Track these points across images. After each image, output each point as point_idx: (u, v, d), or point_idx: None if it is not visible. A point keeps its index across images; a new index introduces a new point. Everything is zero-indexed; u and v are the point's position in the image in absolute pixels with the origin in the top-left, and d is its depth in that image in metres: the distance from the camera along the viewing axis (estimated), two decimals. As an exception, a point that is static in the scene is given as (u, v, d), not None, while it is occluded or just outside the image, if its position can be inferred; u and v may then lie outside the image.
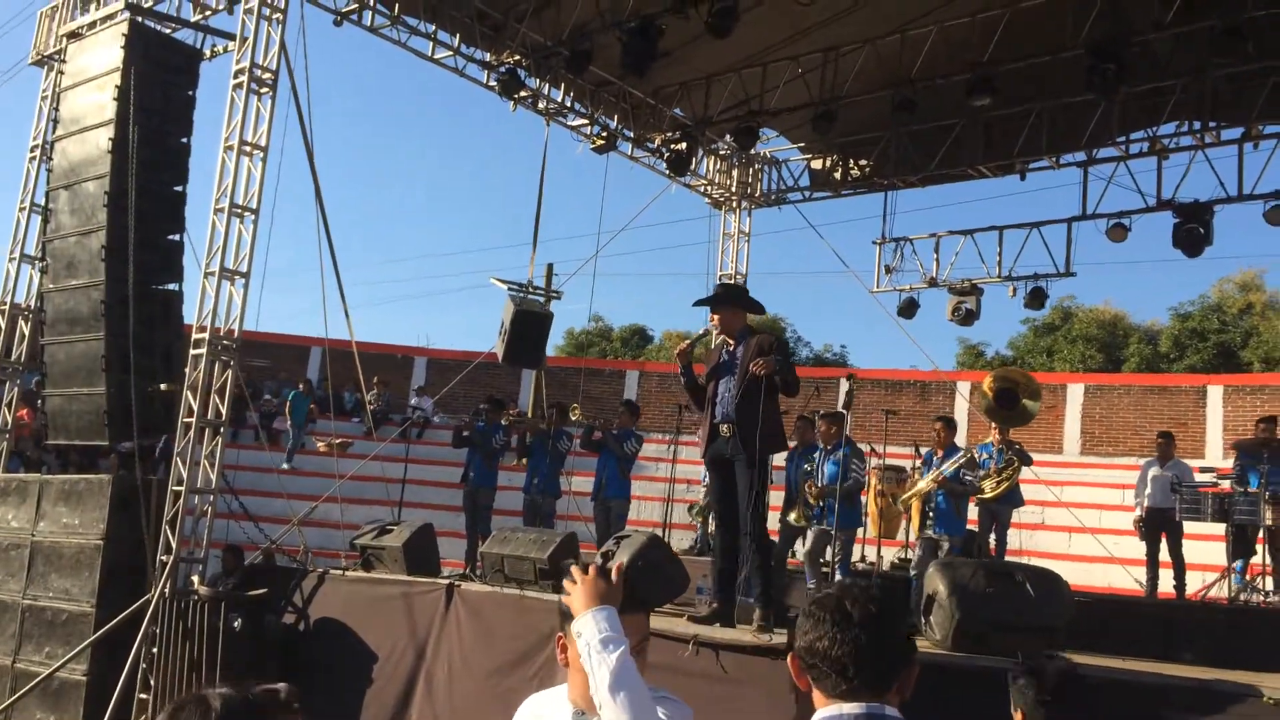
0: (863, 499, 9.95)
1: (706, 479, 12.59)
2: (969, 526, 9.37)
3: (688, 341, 6.76)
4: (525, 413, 22.45)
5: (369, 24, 11.63)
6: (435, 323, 79.04)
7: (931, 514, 8.78)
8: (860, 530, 9.84)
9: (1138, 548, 14.23)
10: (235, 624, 8.89)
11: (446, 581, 8.82)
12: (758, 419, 6.17)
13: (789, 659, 1.98)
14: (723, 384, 6.51)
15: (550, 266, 21.57)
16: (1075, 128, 12.62)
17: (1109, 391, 20.17)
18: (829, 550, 9.05)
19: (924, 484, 8.54)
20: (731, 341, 6.59)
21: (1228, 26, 9.67)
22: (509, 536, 8.67)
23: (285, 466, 17.76)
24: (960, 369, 35.56)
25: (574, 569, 2.29)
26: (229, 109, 10.35)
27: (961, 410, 18.77)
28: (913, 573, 8.81)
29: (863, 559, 10.91)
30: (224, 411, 10.13)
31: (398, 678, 8.73)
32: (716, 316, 6.63)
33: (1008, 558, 9.38)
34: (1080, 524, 14.57)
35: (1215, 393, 19.11)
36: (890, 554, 11.82)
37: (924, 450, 10.04)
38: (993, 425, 10.41)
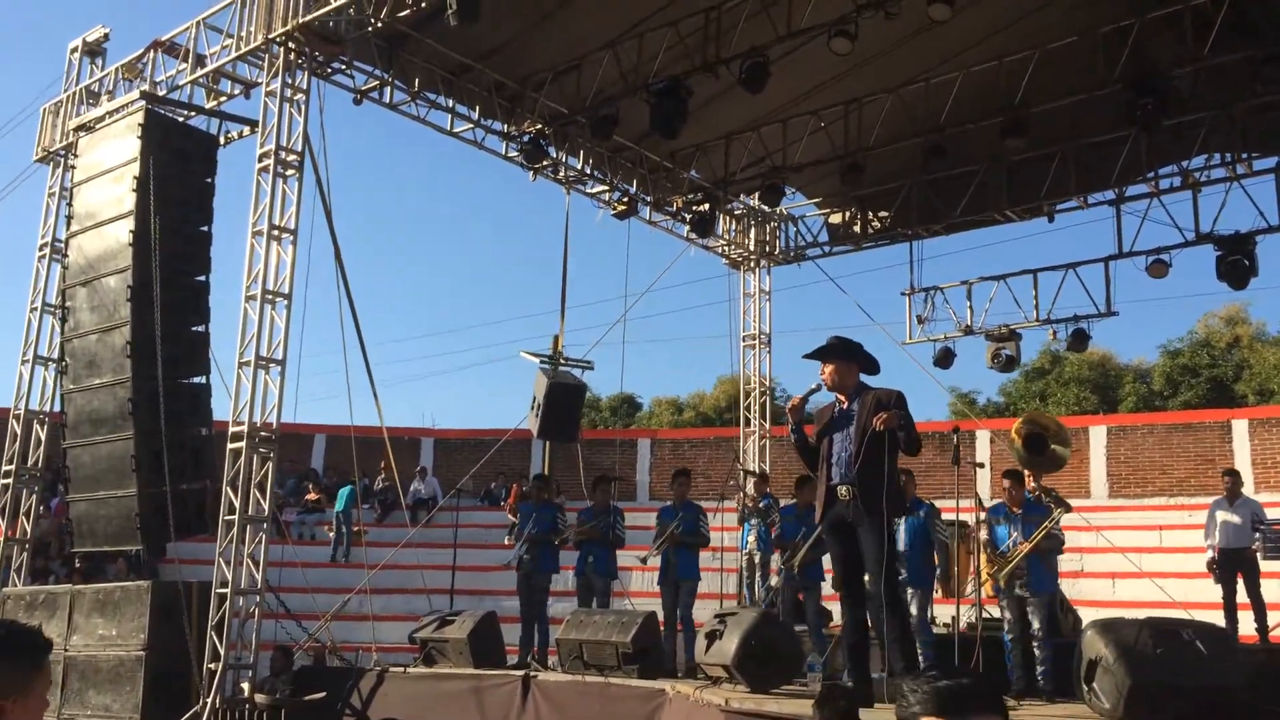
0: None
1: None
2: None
3: (800, 397, 6.38)
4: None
5: (388, 100, 11.42)
6: (434, 403, 78.33)
7: (1024, 570, 8.37)
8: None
9: (1186, 589, 13.97)
10: (297, 733, 8.36)
11: (522, 673, 8.35)
12: (882, 479, 5.81)
13: None
14: (838, 442, 6.14)
15: (556, 338, 21.26)
16: (1103, 166, 12.53)
17: (1132, 432, 19.94)
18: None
19: (1026, 548, 8.14)
20: (844, 398, 6.25)
21: (1268, 55, 9.59)
22: (585, 620, 8.22)
23: (341, 560, 17.58)
24: (954, 418, 35.45)
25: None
26: (255, 193, 10.08)
27: (986, 456, 18.49)
28: (1008, 635, 8.39)
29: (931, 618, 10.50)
30: (266, 507, 9.68)
31: (474, 779, 8.23)
32: (827, 370, 6.27)
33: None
34: (1138, 568, 14.19)
35: (1240, 427, 18.92)
36: (949, 611, 11.39)
37: (990, 503, 9.67)
38: (1028, 473, 10.05)
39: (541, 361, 12.12)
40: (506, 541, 20.12)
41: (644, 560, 9.95)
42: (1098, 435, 19.94)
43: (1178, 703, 4.96)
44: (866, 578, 6.02)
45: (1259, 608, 10.56)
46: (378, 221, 68.61)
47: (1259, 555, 10.29)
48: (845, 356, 6.30)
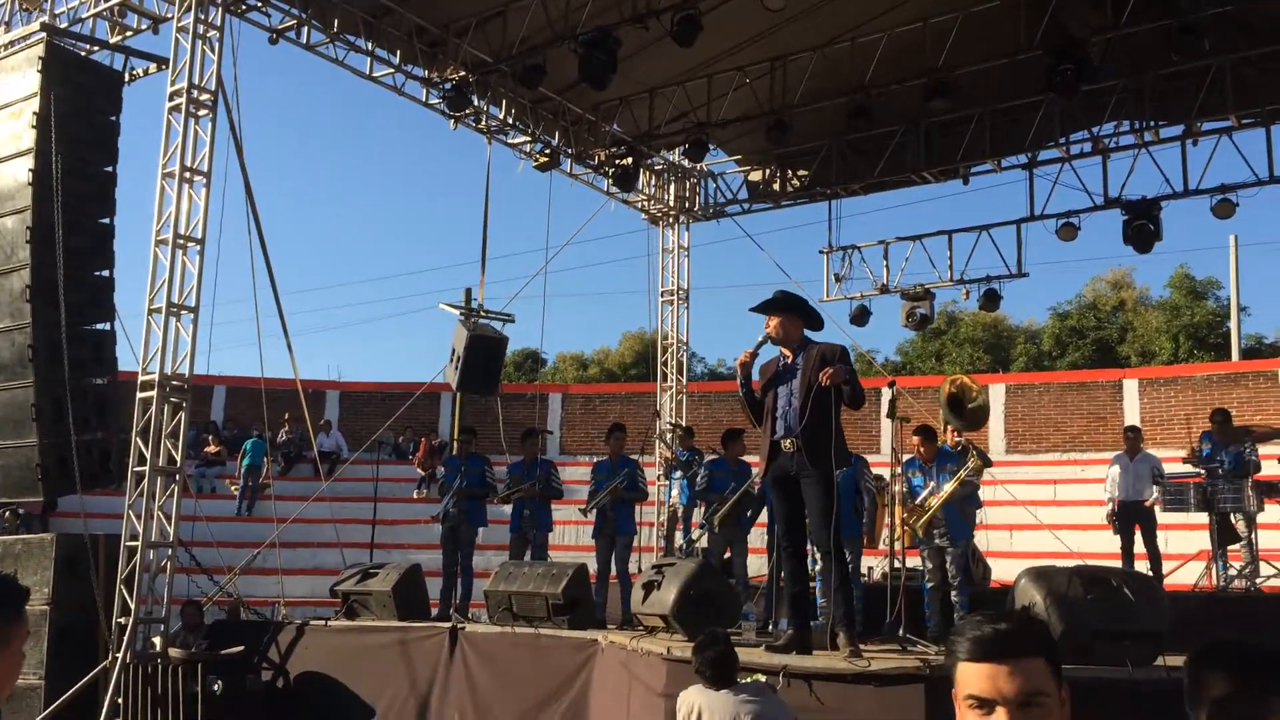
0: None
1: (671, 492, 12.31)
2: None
3: (749, 351, 6.35)
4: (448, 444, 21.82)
5: (305, 41, 11.03)
6: (338, 355, 76.72)
7: (941, 520, 8.61)
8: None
9: (1080, 540, 14.55)
10: (215, 687, 8.17)
11: (449, 625, 8.29)
12: (828, 433, 5.87)
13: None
14: (783, 397, 6.17)
15: (469, 291, 21.04)
16: (1017, 130, 12.80)
17: (1029, 390, 20.60)
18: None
19: (939, 501, 8.36)
20: (789, 353, 6.28)
21: (1184, 25, 9.86)
22: (514, 572, 8.19)
23: (246, 514, 17.15)
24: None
25: None
26: (165, 134, 9.66)
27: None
28: (928, 584, 8.64)
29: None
30: (179, 458, 9.38)
31: (400, 732, 8.16)
32: (773, 324, 6.28)
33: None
34: (1037, 520, 14.71)
35: (1131, 386, 19.70)
36: (870, 563, 11.66)
37: (905, 458, 9.87)
38: (950, 429, 10.34)
39: (461, 313, 11.93)
40: (415, 495, 19.97)
41: (584, 513, 9.94)
42: (996, 393, 20.53)
43: (1107, 647, 5.16)
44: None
45: (1155, 557, 11.04)
46: (288, 168, 66.75)
47: (1157, 508, 10.73)
48: (790, 310, 6.32)
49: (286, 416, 20.06)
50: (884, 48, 11.60)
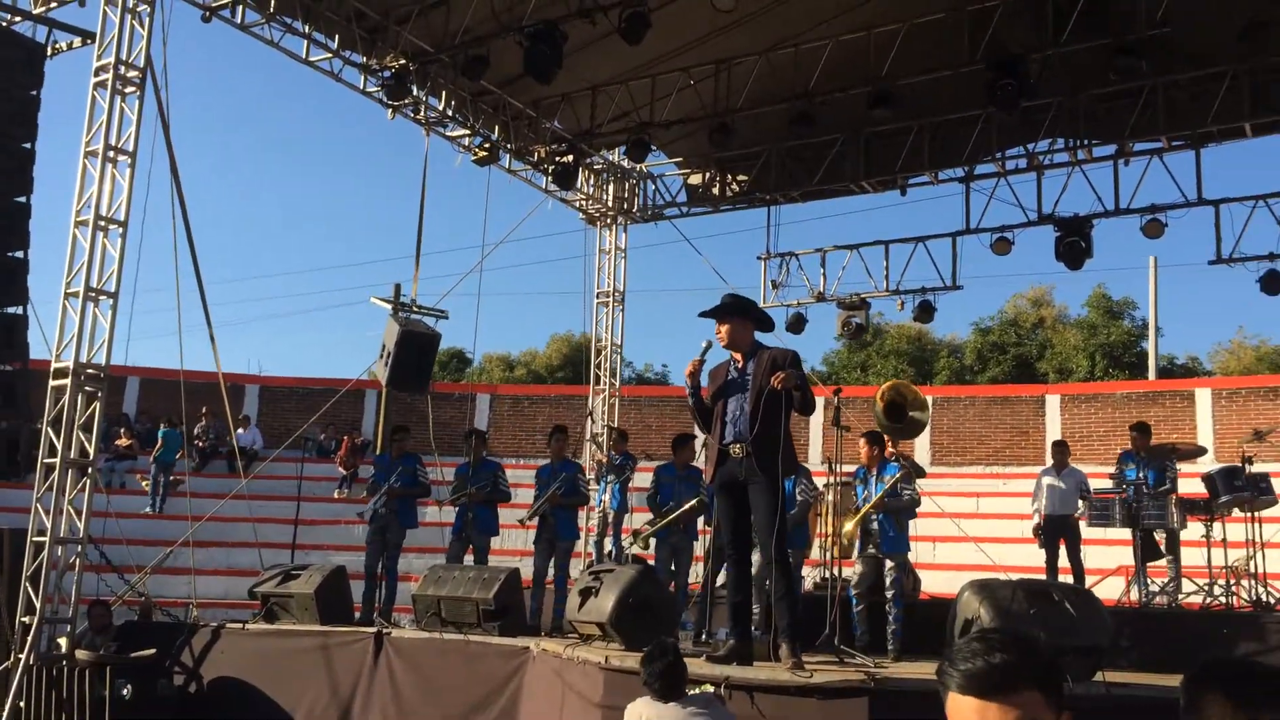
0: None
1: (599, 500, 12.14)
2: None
3: (697, 360, 6.22)
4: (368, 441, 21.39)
5: (240, 20, 10.65)
6: (255, 349, 74.96)
7: (875, 532, 8.58)
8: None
9: (1002, 552, 14.72)
10: (124, 692, 7.80)
11: (374, 630, 8.02)
12: (777, 439, 5.76)
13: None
14: (733, 402, 6.05)
15: (398, 286, 20.63)
16: (955, 143, 12.90)
17: (955, 403, 20.87)
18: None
19: (866, 508, 8.32)
20: (739, 358, 6.17)
21: (1121, 46, 10.00)
22: (444, 576, 7.95)
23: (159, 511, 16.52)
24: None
25: None
26: (90, 110, 9.23)
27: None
28: (854, 592, 8.58)
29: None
30: (91, 451, 8.96)
31: (320, 740, 7.87)
32: (723, 329, 6.17)
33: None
34: (963, 532, 14.84)
35: (1053, 402, 20.06)
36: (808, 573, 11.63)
37: (852, 468, 9.86)
38: (886, 438, 10.35)
39: (394, 309, 11.63)
40: (336, 495, 19.51)
41: (524, 522, 9.73)
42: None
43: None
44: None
45: (1078, 572, 11.16)
46: (210, 152, 65.19)
47: (1083, 522, 10.85)
48: (740, 314, 6.21)
49: (204, 410, 19.48)
50: (828, 55, 11.60)
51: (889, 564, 8.53)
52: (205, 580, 14.73)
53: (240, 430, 20.41)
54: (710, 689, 5.04)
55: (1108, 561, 12.46)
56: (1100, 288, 35.54)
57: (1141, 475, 10.37)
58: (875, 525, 8.58)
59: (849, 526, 8.48)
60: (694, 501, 9.44)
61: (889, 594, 8.35)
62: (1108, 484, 10.79)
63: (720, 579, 8.50)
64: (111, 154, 9.15)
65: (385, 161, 71.61)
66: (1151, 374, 27.26)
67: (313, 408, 21.38)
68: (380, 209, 70.97)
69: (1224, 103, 11.34)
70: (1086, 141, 12.41)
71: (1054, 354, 36.73)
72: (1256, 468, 10.08)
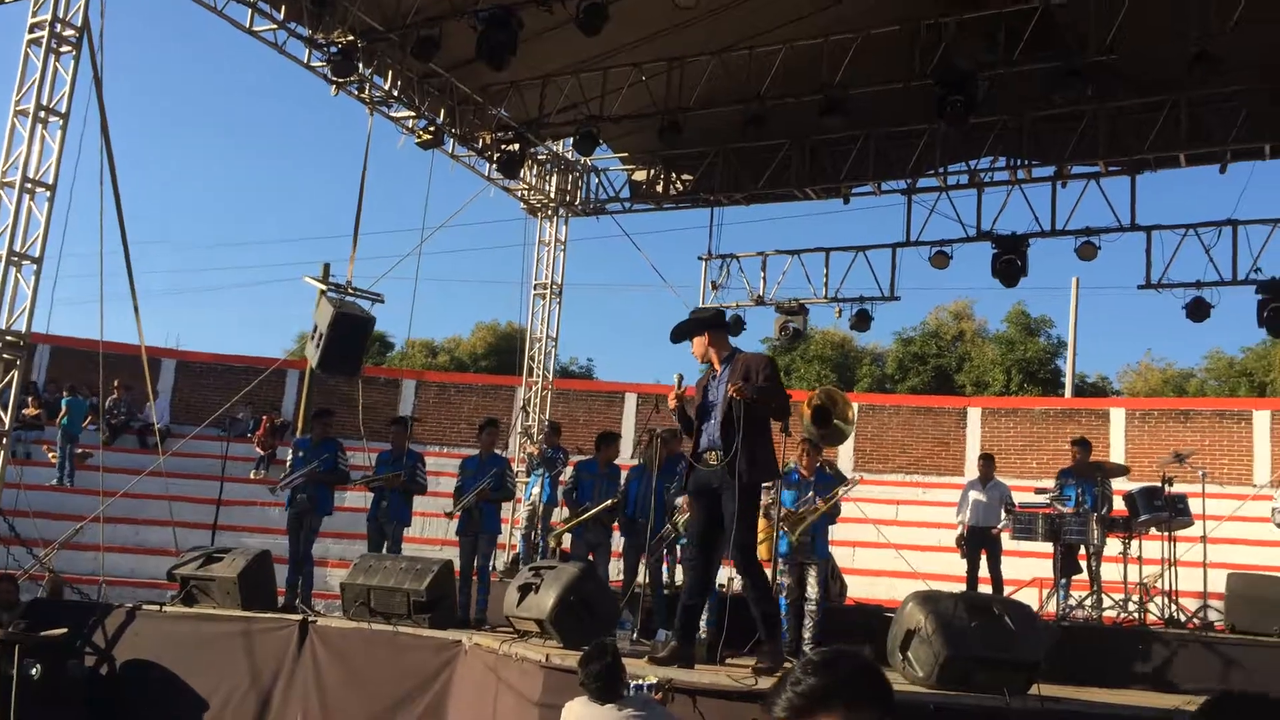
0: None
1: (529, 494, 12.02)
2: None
3: (673, 394, 6.24)
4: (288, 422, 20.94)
5: (183, -16, 10.31)
6: (177, 323, 72.87)
7: (808, 537, 8.64)
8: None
9: (920, 560, 14.94)
10: (33, 671, 7.48)
11: (299, 617, 7.81)
12: (750, 446, 5.78)
13: None
14: (709, 411, 6.11)
15: (326, 266, 20.20)
16: (899, 156, 13.03)
17: (880, 411, 21.14)
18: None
19: (815, 515, 8.36)
20: (718, 365, 6.19)
21: (1071, 69, 10.17)
22: (374, 566, 7.78)
23: (67, 484, 15.90)
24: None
25: None
26: (22, 68, 8.90)
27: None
28: (785, 599, 8.63)
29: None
30: (7, 421, 8.60)
31: (237, 729, 7.65)
32: (696, 346, 6.25)
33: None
34: (885, 539, 15.03)
35: (974, 414, 20.43)
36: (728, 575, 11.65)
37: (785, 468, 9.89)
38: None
39: (328, 289, 11.36)
40: (252, 475, 19.06)
41: (450, 515, 9.57)
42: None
43: (987, 674, 5.18)
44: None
45: (997, 583, 11.37)
46: (137, 115, 63.28)
47: (1007, 535, 11.04)
48: (701, 328, 6.26)
49: (117, 383, 18.88)
50: (782, 60, 11.62)
51: (813, 569, 8.61)
52: (112, 558, 14.27)
53: (147, 405, 19.86)
54: (654, 680, 5.00)
55: (1022, 573, 12.70)
56: (1020, 305, 36.37)
57: (1081, 495, 10.56)
58: (807, 531, 8.64)
59: (800, 529, 8.50)
60: (609, 501, 9.42)
61: (813, 597, 8.43)
62: (1032, 498, 10.99)
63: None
64: (43, 114, 8.80)
65: (323, 138, 70.37)
66: (1068, 391, 27.93)
67: (231, 385, 20.87)
68: (311, 186, 69.72)
69: (1161, 131, 11.64)
70: (1027, 161, 12.64)
71: (972, 367, 37.48)
72: (1175, 489, 10.35)
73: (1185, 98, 11.41)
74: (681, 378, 6.27)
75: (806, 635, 8.43)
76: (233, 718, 7.69)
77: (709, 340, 6.20)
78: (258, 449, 19.66)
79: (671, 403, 6.24)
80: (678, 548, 9.06)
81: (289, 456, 10.58)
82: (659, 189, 14.41)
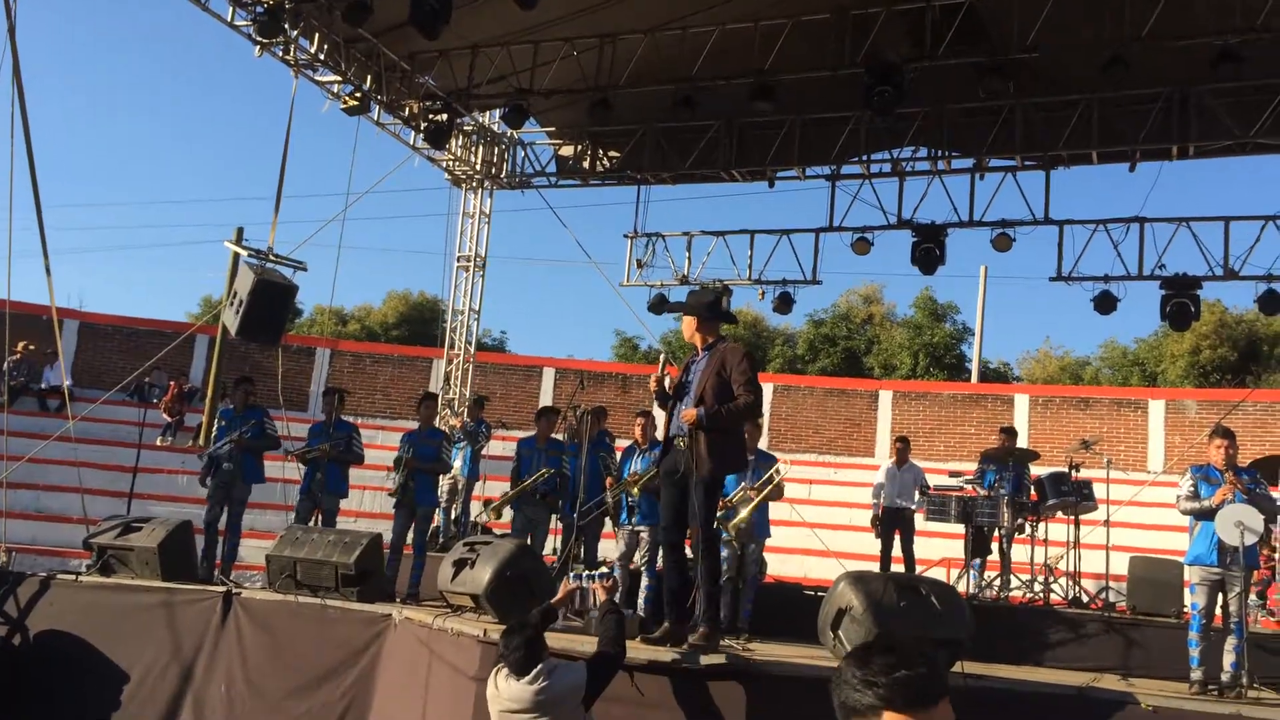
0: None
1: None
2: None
3: (654, 379, 6.27)
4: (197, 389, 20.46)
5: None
6: (80, 282, 70.05)
7: (634, 505, 8.87)
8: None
9: (832, 538, 15.29)
10: (-59, 643, 7.27)
11: (223, 589, 7.71)
12: (716, 435, 5.86)
13: None
14: (683, 396, 6.14)
15: (240, 230, 19.75)
16: (824, 142, 13.24)
17: (794, 392, 21.50)
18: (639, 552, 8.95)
19: (760, 498, 8.54)
20: (700, 352, 6.24)
21: (994, 65, 10.46)
22: (301, 538, 7.72)
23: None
24: (618, 361, 36.75)
25: None
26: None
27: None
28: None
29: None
30: (-87, 382, 8.27)
31: (157, 702, 7.55)
32: (688, 329, 6.27)
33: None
34: (801, 518, 15.31)
35: (886, 397, 20.92)
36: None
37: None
38: None
39: (250, 254, 11.14)
40: (159, 442, 18.59)
41: (392, 494, 9.51)
42: (765, 391, 21.32)
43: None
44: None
45: (909, 562, 11.71)
46: (45, 64, 60.63)
47: (921, 516, 11.38)
48: (691, 312, 6.30)
49: (20, 345, 18.26)
50: (714, 42, 11.70)
51: (750, 548, 8.78)
52: (13, 524, 13.85)
53: (47, 368, 19.23)
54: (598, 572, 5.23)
55: (931, 553, 13.10)
56: (927, 290, 37.19)
57: (999, 479, 10.92)
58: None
59: (743, 514, 8.63)
60: (544, 471, 9.47)
61: (750, 576, 8.61)
62: (946, 480, 11.33)
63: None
64: (-45, 63, 8.44)
65: (244, 99, 68.40)
66: (974, 377, 28.72)
67: (136, 349, 20.36)
68: (231, 145, 67.74)
69: (1075, 129, 12.04)
70: (948, 153, 12.95)
71: (880, 350, 38.25)
72: (1081, 474, 10.78)
73: (1098, 98, 11.82)
74: (664, 360, 6.35)
75: (743, 611, 8.65)
76: (154, 690, 7.57)
77: (696, 325, 6.24)
78: (165, 415, 19.17)
79: (653, 385, 6.28)
80: (625, 524, 9.14)
81: (214, 428, 10.39)
82: (585, 165, 14.41)
